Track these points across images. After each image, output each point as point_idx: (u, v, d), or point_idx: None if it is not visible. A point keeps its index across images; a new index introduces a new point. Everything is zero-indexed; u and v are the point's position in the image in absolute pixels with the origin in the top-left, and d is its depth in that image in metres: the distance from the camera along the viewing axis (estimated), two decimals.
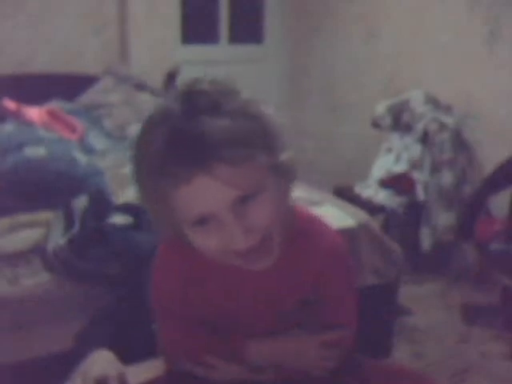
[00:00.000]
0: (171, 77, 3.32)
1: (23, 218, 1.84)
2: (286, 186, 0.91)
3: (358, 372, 1.08)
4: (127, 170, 2.50)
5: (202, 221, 0.84)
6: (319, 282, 1.00)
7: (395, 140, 3.14)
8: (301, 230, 0.99)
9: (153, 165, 0.82)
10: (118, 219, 1.71)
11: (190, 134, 0.79)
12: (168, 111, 0.83)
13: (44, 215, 1.84)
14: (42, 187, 1.97)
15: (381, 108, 3.15)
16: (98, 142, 2.80)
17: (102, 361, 1.05)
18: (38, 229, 1.78)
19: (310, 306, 1.00)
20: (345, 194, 2.96)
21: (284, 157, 0.88)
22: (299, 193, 2.22)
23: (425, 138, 2.96)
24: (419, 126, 2.98)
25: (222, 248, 0.85)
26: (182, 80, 3.27)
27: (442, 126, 2.94)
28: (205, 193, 0.81)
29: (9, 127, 2.30)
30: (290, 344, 1.01)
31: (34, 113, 2.59)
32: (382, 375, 1.10)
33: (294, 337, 1.01)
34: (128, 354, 1.12)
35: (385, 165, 3.13)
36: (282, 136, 0.88)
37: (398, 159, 3.09)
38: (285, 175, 0.89)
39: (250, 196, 0.84)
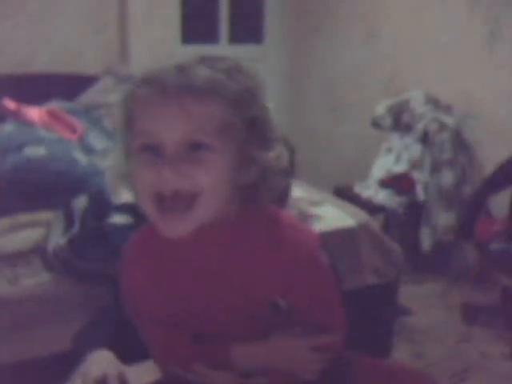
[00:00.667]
0: None
1: (23, 218, 1.84)
2: (244, 174, 0.90)
3: (348, 372, 1.07)
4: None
5: (148, 147, 0.87)
6: (289, 286, 0.95)
7: (395, 140, 3.14)
8: (264, 228, 0.96)
9: (131, 87, 0.90)
10: (118, 219, 1.71)
11: (170, 67, 0.87)
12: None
13: (44, 215, 1.84)
14: (42, 187, 1.97)
15: (381, 108, 3.15)
16: (98, 142, 2.79)
17: (101, 361, 1.05)
18: (38, 229, 1.78)
19: (285, 315, 0.96)
20: (345, 194, 2.96)
21: (261, 151, 0.90)
22: (299, 193, 2.22)
23: (425, 138, 2.96)
24: (419, 126, 2.98)
25: (154, 186, 0.86)
26: None
27: (442, 126, 2.94)
28: (166, 114, 0.85)
29: (9, 127, 2.30)
30: (278, 348, 0.98)
31: (34, 113, 2.59)
32: (381, 374, 1.10)
33: (281, 341, 0.98)
34: (128, 354, 1.12)
35: (385, 165, 3.13)
36: (265, 127, 0.91)
37: (398, 159, 3.09)
38: (248, 163, 0.89)
39: (205, 146, 0.86)
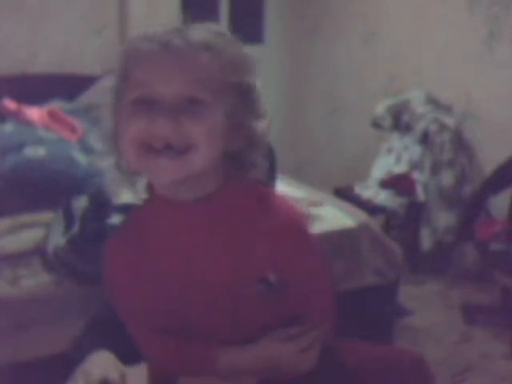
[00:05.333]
0: None
1: (23, 218, 1.84)
2: (234, 139, 0.92)
3: (337, 359, 1.06)
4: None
5: (141, 99, 0.87)
6: (278, 261, 0.95)
7: (395, 140, 3.14)
8: (254, 201, 0.96)
9: (132, 40, 0.92)
10: (118, 219, 1.71)
11: (172, 29, 0.91)
12: None
13: (44, 215, 1.84)
14: (41, 187, 1.97)
15: (381, 108, 3.15)
16: (97, 142, 2.79)
17: (103, 362, 1.05)
18: (38, 229, 1.78)
19: (277, 290, 0.95)
20: (345, 195, 2.96)
21: (252, 119, 0.92)
22: (299, 193, 2.22)
23: (425, 139, 2.96)
24: (419, 127, 2.98)
25: (142, 134, 0.87)
26: None
27: (442, 127, 2.94)
28: (160, 68, 0.87)
29: (9, 127, 2.30)
30: (264, 354, 0.97)
31: (34, 113, 2.59)
32: (377, 361, 1.09)
33: (267, 346, 0.97)
34: (127, 355, 1.12)
35: (385, 165, 3.13)
36: (255, 100, 0.93)
37: (398, 159, 3.09)
38: (238, 128, 0.91)
39: (200, 101, 0.87)
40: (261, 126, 0.94)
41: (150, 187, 0.98)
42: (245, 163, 0.95)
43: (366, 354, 1.11)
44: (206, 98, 0.88)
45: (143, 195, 1.00)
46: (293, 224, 0.97)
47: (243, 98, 0.92)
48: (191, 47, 0.88)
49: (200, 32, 0.90)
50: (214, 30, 0.92)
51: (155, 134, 0.86)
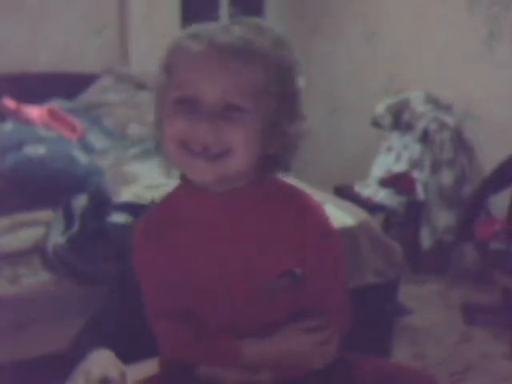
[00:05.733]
0: None
1: (23, 217, 1.84)
2: (273, 142, 0.93)
3: (349, 373, 1.07)
4: (127, 168, 2.52)
5: (184, 99, 0.88)
6: (304, 256, 0.96)
7: (395, 139, 3.14)
8: (287, 198, 0.98)
9: (180, 36, 0.92)
10: (118, 218, 1.71)
11: (227, 28, 0.90)
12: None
13: (44, 214, 1.84)
14: (41, 186, 1.97)
15: (381, 107, 3.15)
16: (97, 141, 2.79)
17: (103, 361, 1.05)
18: (38, 228, 1.78)
19: (300, 283, 0.96)
20: (345, 194, 2.96)
21: (292, 124, 0.92)
22: None
23: (425, 138, 2.96)
24: (419, 126, 2.98)
25: (183, 134, 0.89)
26: None
27: (442, 125, 2.94)
28: (210, 70, 0.87)
29: (9, 126, 2.30)
30: (286, 345, 0.98)
31: (34, 112, 2.59)
32: (380, 376, 1.09)
33: (286, 337, 0.98)
34: (128, 354, 1.12)
35: (385, 164, 3.13)
36: (297, 102, 0.93)
37: (398, 159, 3.09)
38: (277, 132, 0.92)
39: (241, 108, 0.88)
40: (299, 128, 0.94)
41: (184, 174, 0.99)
42: (279, 165, 0.97)
43: (378, 371, 1.11)
44: (248, 105, 0.88)
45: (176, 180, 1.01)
46: (319, 220, 0.99)
47: (286, 104, 0.92)
48: (237, 50, 0.87)
49: (248, 33, 0.90)
50: (263, 30, 0.92)
51: (195, 137, 0.88)
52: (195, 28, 0.91)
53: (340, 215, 2.04)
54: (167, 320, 1.01)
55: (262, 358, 0.98)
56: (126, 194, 2.01)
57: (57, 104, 2.88)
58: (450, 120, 2.96)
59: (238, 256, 0.96)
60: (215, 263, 0.97)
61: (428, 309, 2.66)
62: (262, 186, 0.97)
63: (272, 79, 0.89)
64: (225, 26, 0.91)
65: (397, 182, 2.98)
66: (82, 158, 2.18)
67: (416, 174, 2.97)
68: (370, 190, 3.05)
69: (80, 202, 1.75)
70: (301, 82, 0.94)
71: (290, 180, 1.02)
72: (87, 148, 2.55)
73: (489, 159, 2.79)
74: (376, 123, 3.17)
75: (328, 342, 0.99)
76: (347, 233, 1.99)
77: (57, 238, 1.66)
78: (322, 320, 0.99)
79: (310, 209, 0.98)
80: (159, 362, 1.09)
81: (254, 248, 0.96)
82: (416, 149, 2.99)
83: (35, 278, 1.64)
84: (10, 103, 2.58)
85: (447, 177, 2.92)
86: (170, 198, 1.03)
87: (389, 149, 3.17)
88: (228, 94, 0.87)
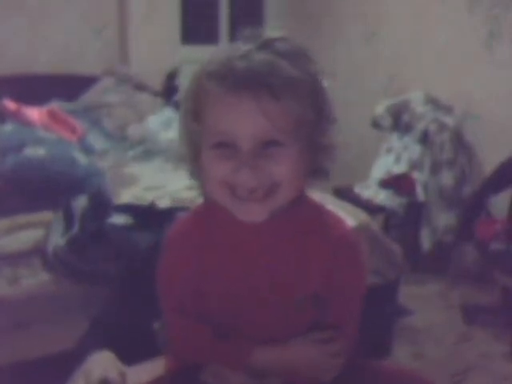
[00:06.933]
0: (171, 77, 3.32)
1: (23, 218, 1.84)
2: (313, 160, 0.92)
3: (359, 377, 1.07)
4: (127, 169, 2.52)
5: (222, 144, 0.86)
6: (330, 279, 0.96)
7: (395, 140, 3.14)
8: (314, 218, 0.98)
9: (211, 64, 0.86)
10: (118, 219, 1.71)
11: (259, 57, 0.84)
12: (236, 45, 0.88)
13: (44, 215, 1.84)
14: (42, 187, 1.97)
15: (381, 108, 3.15)
16: (97, 142, 2.80)
17: (103, 362, 1.05)
18: (38, 229, 1.78)
19: (319, 304, 0.97)
20: (345, 195, 2.96)
21: (326, 137, 0.91)
22: None
23: (425, 139, 2.96)
24: (419, 127, 2.98)
25: (227, 178, 0.87)
26: (182, 80, 3.27)
27: (442, 127, 2.94)
28: (242, 113, 0.84)
29: (9, 127, 2.30)
30: (298, 354, 0.98)
31: (34, 113, 2.59)
32: (381, 376, 1.09)
33: (301, 346, 0.98)
34: (128, 355, 1.12)
35: (385, 165, 3.13)
36: (330, 111, 0.92)
37: (397, 159, 3.09)
38: (316, 149, 0.91)
39: (278, 142, 0.86)
40: (335, 136, 0.93)
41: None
42: (319, 173, 0.96)
43: (369, 370, 1.11)
44: (286, 138, 0.86)
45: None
46: (347, 241, 0.98)
47: (320, 119, 0.90)
48: (269, 88, 0.83)
49: (270, 58, 0.84)
50: (289, 57, 0.87)
51: (239, 183, 0.87)
52: (214, 61, 0.86)
53: (340, 216, 2.04)
54: (184, 318, 1.01)
55: (272, 363, 0.98)
56: (126, 196, 2.01)
57: (57, 105, 2.88)
58: (449, 121, 2.96)
59: (265, 279, 0.96)
60: (243, 282, 0.97)
61: (428, 309, 2.66)
62: (296, 210, 0.96)
63: (306, 104, 0.87)
64: (243, 54, 0.85)
65: (397, 183, 2.98)
66: (82, 159, 2.18)
67: (416, 175, 2.97)
68: (370, 191, 3.05)
69: (80, 203, 1.75)
70: (326, 85, 0.92)
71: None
72: (87, 149, 2.56)
73: (489, 159, 2.79)
74: (376, 124, 3.17)
75: (338, 354, 0.99)
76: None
77: (57, 239, 1.66)
78: (334, 332, 0.99)
79: (338, 230, 0.98)
80: (166, 363, 1.09)
81: (281, 272, 0.96)
82: (416, 150, 2.99)
83: (35, 279, 1.64)
84: (10, 104, 2.58)
85: (447, 177, 2.92)
86: (204, 213, 1.01)
87: (389, 150, 3.17)
88: (264, 132, 0.85)
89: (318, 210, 1.00)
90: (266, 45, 0.87)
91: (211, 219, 0.99)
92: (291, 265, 0.96)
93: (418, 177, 2.96)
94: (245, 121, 0.84)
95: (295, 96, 0.85)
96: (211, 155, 0.88)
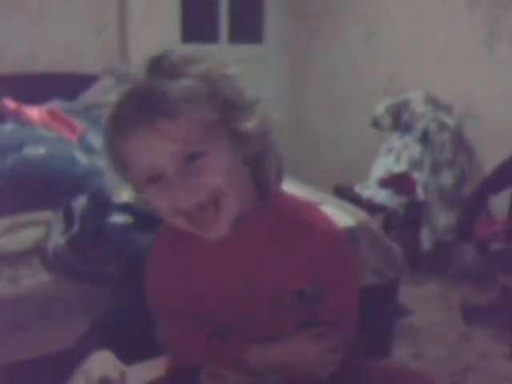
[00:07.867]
0: None
1: (23, 217, 1.84)
2: (248, 152, 0.91)
3: (357, 375, 1.07)
4: None
5: (153, 178, 0.87)
6: (317, 273, 0.96)
7: (395, 140, 3.14)
8: (292, 216, 0.97)
9: (107, 118, 0.90)
10: (118, 219, 1.71)
11: (140, 90, 0.86)
12: (134, 75, 0.90)
13: (44, 215, 1.84)
14: (42, 187, 1.97)
15: (381, 108, 3.15)
16: (97, 141, 2.79)
17: (103, 361, 1.05)
18: (38, 229, 1.78)
19: (309, 301, 0.97)
20: (345, 194, 2.96)
21: (246, 122, 0.89)
22: (299, 192, 2.21)
23: (425, 138, 2.96)
24: (419, 126, 2.98)
25: (172, 208, 0.88)
26: None
27: (442, 126, 2.94)
28: (149, 146, 0.85)
29: (9, 127, 2.30)
30: (292, 350, 0.98)
31: (33, 112, 2.59)
32: (381, 376, 1.09)
33: (296, 342, 0.98)
34: (128, 355, 1.12)
35: (385, 165, 3.13)
36: (245, 103, 0.90)
37: (398, 159, 3.09)
38: (245, 140, 0.89)
39: (199, 153, 0.86)
40: (257, 118, 0.91)
41: None
42: (266, 161, 0.95)
43: (368, 370, 1.11)
44: (203, 147, 0.86)
45: None
46: (332, 237, 0.98)
47: (230, 109, 0.89)
48: (166, 116, 0.83)
49: (160, 84, 0.85)
50: (174, 67, 0.87)
51: (182, 207, 0.87)
52: (108, 112, 0.90)
53: (340, 216, 2.04)
54: (179, 321, 1.02)
55: (268, 360, 0.98)
56: (126, 195, 2.00)
57: (57, 105, 2.88)
58: (449, 120, 2.96)
59: (244, 279, 0.97)
60: (223, 285, 0.98)
61: (428, 309, 2.66)
62: (266, 207, 0.96)
63: (207, 107, 0.86)
64: (129, 92, 0.87)
65: (397, 182, 2.98)
66: (82, 158, 2.18)
67: (416, 175, 2.97)
68: (370, 190, 3.05)
69: (80, 202, 1.75)
70: (229, 71, 0.90)
71: (287, 181, 1.01)
72: (87, 148, 2.55)
73: (489, 159, 2.79)
74: (376, 124, 3.17)
75: (335, 349, 0.99)
76: (347, 233, 1.99)
77: (57, 239, 1.66)
78: (330, 327, 0.99)
79: (322, 227, 0.97)
80: (166, 363, 1.10)
81: (262, 268, 0.96)
82: (416, 149, 2.99)
83: (35, 279, 1.64)
84: (10, 104, 2.58)
85: (447, 177, 2.92)
86: (172, 229, 1.01)
87: (389, 149, 3.17)
88: (180, 151, 0.85)
89: (298, 208, 0.99)
90: (151, 68, 0.88)
91: (181, 234, 0.99)
92: (271, 263, 0.96)
93: (418, 176, 2.96)
94: (155, 151, 0.85)
95: (191, 105, 0.84)
96: (149, 191, 0.90)
